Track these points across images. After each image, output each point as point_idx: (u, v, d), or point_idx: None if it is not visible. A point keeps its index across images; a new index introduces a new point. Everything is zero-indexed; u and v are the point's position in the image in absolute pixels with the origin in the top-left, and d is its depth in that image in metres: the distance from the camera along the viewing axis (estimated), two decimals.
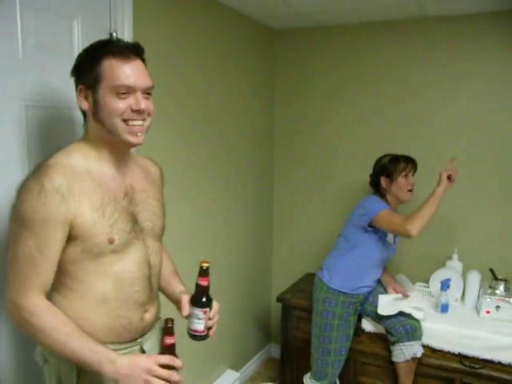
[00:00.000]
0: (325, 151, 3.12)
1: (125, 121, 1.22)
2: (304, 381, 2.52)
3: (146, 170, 1.46)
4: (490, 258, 2.68)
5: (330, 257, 2.53)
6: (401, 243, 2.87)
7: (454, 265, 2.66)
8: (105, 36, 1.82)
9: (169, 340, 1.23)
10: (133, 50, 1.24)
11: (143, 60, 1.27)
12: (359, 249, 2.39)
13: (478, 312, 2.46)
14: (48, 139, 1.62)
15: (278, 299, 2.83)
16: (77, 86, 1.26)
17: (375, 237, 2.37)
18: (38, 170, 1.18)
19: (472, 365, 2.28)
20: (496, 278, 2.52)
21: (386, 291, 2.54)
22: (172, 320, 1.24)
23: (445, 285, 2.50)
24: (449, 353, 2.34)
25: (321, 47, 3.05)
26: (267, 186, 3.29)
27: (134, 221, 1.31)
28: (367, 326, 2.52)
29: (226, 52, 2.64)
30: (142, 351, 1.37)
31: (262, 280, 3.36)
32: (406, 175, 2.37)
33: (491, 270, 2.56)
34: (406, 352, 2.33)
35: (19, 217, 1.15)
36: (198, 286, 1.33)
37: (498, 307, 2.39)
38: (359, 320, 2.53)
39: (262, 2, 2.49)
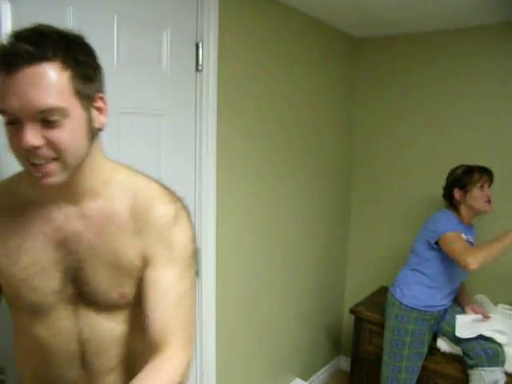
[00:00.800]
0: (403, 163, 3.04)
1: (26, 158, 0.86)
2: None
3: (125, 213, 0.98)
4: None
5: (401, 272, 2.47)
6: None
7: None
8: (192, 48, 1.91)
9: None
10: (27, 54, 0.78)
11: (66, 60, 0.83)
12: (429, 265, 2.31)
13: None
14: (137, 144, 1.71)
15: (351, 311, 2.79)
16: None
17: (443, 254, 2.27)
18: None
19: None
20: None
21: (463, 311, 2.43)
22: None
23: None
24: None
25: (401, 55, 2.98)
26: (345, 197, 3.25)
27: (68, 280, 0.98)
28: (443, 345, 2.41)
29: (307, 60, 2.65)
30: None
31: (335, 291, 3.33)
32: (482, 186, 2.27)
33: None
34: (485, 378, 2.19)
35: None
36: None
37: None
38: (434, 339, 2.43)
39: (343, 10, 2.48)
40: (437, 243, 2.26)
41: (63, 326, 0.99)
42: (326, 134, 2.94)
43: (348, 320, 3.12)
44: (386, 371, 2.39)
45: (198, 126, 1.98)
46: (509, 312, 2.55)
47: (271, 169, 2.48)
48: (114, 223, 0.97)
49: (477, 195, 2.27)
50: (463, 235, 2.25)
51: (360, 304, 2.82)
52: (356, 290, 3.27)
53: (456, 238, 2.19)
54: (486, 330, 2.22)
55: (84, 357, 1.02)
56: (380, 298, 2.79)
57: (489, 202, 2.29)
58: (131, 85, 1.67)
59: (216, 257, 2.14)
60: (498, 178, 2.36)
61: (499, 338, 2.20)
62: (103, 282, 0.97)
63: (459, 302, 2.48)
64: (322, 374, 3.26)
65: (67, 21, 1.43)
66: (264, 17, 2.28)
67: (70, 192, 0.94)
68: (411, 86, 2.95)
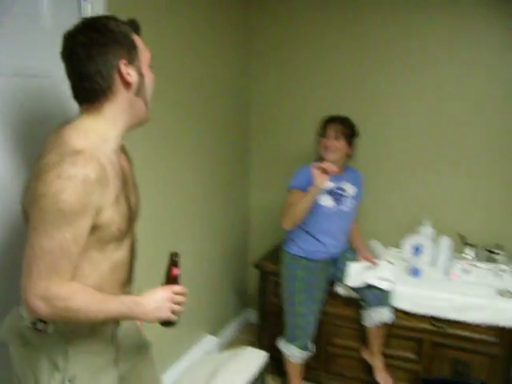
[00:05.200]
0: (299, 116, 3.12)
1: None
2: (278, 344, 2.59)
3: (124, 152, 1.40)
4: (461, 224, 2.75)
5: None
6: (374, 209, 2.94)
7: (426, 231, 2.72)
8: (74, 5, 1.77)
9: (176, 271, 1.35)
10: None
11: None
12: None
13: (448, 276, 2.55)
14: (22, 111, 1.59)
15: (255, 265, 2.87)
16: (113, 61, 1.16)
17: None
18: (73, 156, 1.07)
19: (441, 325, 2.38)
20: (465, 244, 2.61)
21: (356, 258, 2.58)
22: (177, 254, 1.36)
23: (416, 250, 2.58)
24: (420, 315, 2.42)
25: (289, 13, 3.01)
26: (244, 150, 3.29)
27: (129, 206, 1.27)
28: (340, 290, 2.58)
29: (197, 21, 2.57)
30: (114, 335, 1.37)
31: (239, 245, 3.41)
32: (323, 135, 2.38)
33: (460, 236, 2.65)
34: (374, 317, 2.41)
35: (57, 207, 1.04)
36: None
37: (466, 271, 2.49)
38: (332, 285, 2.59)
39: None
40: None
41: (131, 242, 1.34)
42: (224, 87, 2.93)
43: (254, 273, 3.21)
44: (286, 317, 2.53)
45: None
46: (398, 254, 2.79)
47: (166, 128, 2.44)
48: (127, 160, 1.39)
49: (319, 143, 2.40)
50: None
51: (264, 258, 2.92)
52: (260, 244, 3.36)
53: (292, 197, 2.32)
54: (372, 278, 2.40)
55: (132, 263, 1.38)
56: None
57: (328, 149, 2.35)
58: (13, 46, 1.53)
59: None
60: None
61: (382, 285, 2.39)
62: (138, 201, 1.39)
63: (354, 248, 2.64)
64: (231, 328, 3.36)
65: None
66: None
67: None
68: (306, 38, 3.00)
